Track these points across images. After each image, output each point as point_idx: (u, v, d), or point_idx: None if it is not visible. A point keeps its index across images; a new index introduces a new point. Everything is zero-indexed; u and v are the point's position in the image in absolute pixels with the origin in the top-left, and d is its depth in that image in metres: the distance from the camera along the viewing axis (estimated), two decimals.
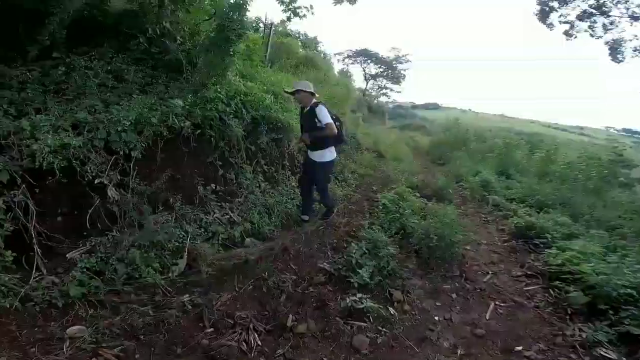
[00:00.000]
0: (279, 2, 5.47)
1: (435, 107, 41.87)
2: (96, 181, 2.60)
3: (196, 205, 3.30)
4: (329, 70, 9.78)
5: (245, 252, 2.94)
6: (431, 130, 17.42)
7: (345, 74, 17.01)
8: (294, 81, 4.20)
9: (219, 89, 3.51)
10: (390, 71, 26.68)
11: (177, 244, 2.75)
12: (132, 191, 2.78)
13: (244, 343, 2.06)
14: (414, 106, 40.75)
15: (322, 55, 12.77)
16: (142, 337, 1.99)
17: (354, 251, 2.86)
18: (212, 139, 3.57)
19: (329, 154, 3.57)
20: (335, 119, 3.47)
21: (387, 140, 9.76)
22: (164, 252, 2.65)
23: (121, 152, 2.78)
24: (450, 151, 8.90)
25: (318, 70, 8.02)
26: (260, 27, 6.94)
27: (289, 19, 5.68)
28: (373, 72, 26.93)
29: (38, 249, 2.33)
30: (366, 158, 7.04)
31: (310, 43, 13.11)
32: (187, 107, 3.20)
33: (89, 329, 1.96)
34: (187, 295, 2.39)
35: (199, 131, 3.43)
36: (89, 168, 2.57)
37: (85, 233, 2.58)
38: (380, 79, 27.42)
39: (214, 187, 3.56)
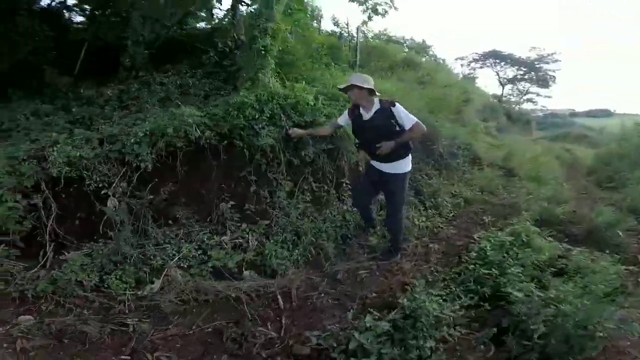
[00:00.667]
0: (356, 2, 4.88)
1: (606, 114, 31.48)
2: (102, 192, 2.54)
3: (212, 223, 2.90)
4: (436, 71, 8.23)
5: (233, 288, 2.31)
6: (598, 140, 12.54)
7: (472, 79, 14.57)
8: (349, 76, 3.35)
9: (247, 94, 3.08)
10: (532, 73, 21.69)
11: (161, 261, 2.45)
12: (128, 203, 2.61)
13: None
14: (573, 114, 32.14)
15: (434, 59, 11.32)
16: (65, 341, 1.85)
17: (368, 324, 1.74)
18: (244, 150, 3.17)
19: (408, 162, 2.82)
20: None
21: (526, 154, 7.33)
22: (144, 268, 2.39)
23: (134, 164, 2.67)
24: (628, 169, 5.78)
25: (417, 71, 6.80)
26: (342, 32, 6.50)
27: (369, 18, 5.07)
28: (510, 75, 22.48)
29: (49, 246, 2.44)
30: (484, 176, 5.23)
31: (419, 48, 11.87)
32: (203, 115, 2.89)
33: (35, 320, 1.94)
34: (137, 319, 2.05)
35: (225, 142, 3.08)
36: (95, 178, 2.53)
37: (95, 237, 2.57)
38: (522, 83, 22.59)
39: (244, 206, 3.11)
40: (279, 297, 2.36)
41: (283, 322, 2.17)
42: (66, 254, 2.39)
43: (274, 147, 3.26)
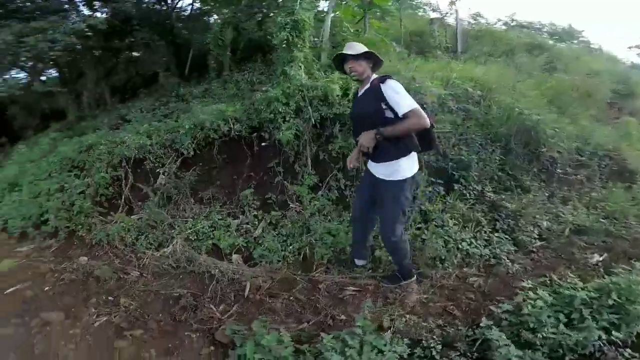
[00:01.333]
0: None
1: None
2: (157, 170, 3.30)
3: (232, 207, 3.25)
4: (577, 57, 5.70)
5: (215, 266, 2.54)
6: None
7: None
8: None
9: (273, 87, 3.22)
10: None
11: (179, 231, 3.00)
12: (175, 181, 3.28)
13: None
14: None
15: (583, 45, 8.05)
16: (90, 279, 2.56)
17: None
18: (275, 142, 3.35)
19: (408, 165, 2.11)
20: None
21: None
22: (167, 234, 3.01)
23: (181, 151, 3.32)
24: None
25: (545, 57, 4.98)
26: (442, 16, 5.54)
27: None
28: None
29: (122, 208, 3.32)
30: (621, 197, 3.41)
31: (563, 34, 8.64)
32: (236, 110, 3.22)
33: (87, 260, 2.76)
34: (138, 273, 2.67)
35: (255, 134, 3.35)
36: (153, 160, 3.30)
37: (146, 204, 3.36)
38: None
39: (267, 195, 3.32)
40: (247, 286, 2.45)
41: (233, 309, 2.26)
42: (123, 215, 3.24)
43: (300, 140, 3.29)
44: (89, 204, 3.18)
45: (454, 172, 3.17)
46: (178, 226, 3.03)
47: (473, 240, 2.86)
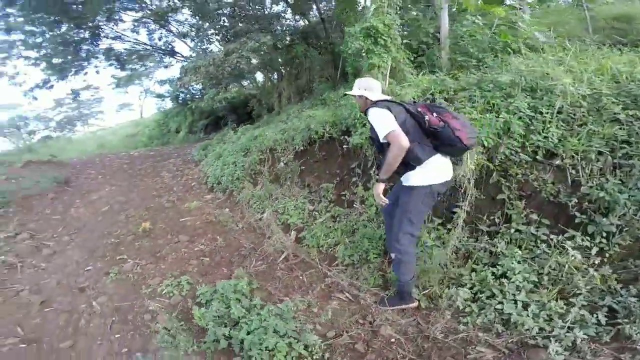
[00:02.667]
0: None
1: None
2: (280, 158, 4.56)
3: (314, 195, 3.98)
4: None
5: (268, 233, 3.51)
6: None
7: None
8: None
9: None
10: None
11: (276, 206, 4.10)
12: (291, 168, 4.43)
13: None
14: None
15: None
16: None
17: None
18: (358, 145, 3.76)
19: (421, 173, 2.16)
20: (427, 110, 2.17)
21: None
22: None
23: (295, 146, 4.39)
24: None
25: None
26: None
27: None
28: None
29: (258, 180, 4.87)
30: None
31: None
32: (331, 115, 3.86)
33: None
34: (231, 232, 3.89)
35: (342, 137, 3.87)
36: (278, 150, 4.57)
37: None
38: None
39: (343, 192, 3.82)
40: (282, 255, 3.17)
41: (263, 267, 3.06)
42: (251, 185, 4.67)
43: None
44: (243, 174, 4.87)
45: (578, 214, 2.34)
46: (276, 200, 4.12)
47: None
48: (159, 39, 9.31)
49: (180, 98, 11.48)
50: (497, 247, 2.46)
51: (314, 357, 1.96)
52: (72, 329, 2.51)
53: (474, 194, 2.76)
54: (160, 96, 11.51)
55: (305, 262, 3.08)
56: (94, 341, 2.31)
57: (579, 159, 2.45)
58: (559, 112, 2.66)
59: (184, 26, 8.49)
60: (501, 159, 2.69)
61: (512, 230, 2.49)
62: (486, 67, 3.65)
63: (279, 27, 6.98)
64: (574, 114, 2.63)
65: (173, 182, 6.19)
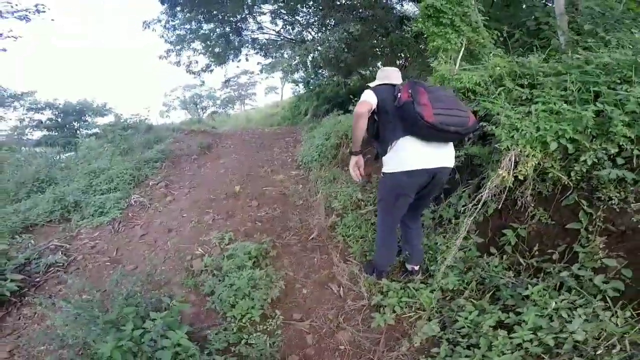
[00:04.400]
0: None
1: None
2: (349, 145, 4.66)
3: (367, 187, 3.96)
4: None
5: (313, 212, 3.78)
6: None
7: None
8: None
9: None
10: None
11: None
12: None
13: None
14: None
15: None
16: None
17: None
18: None
19: (390, 159, 2.08)
20: (408, 87, 1.96)
21: None
22: None
23: None
24: None
25: None
26: None
27: None
28: None
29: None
30: None
31: None
32: None
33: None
34: None
35: None
36: (349, 137, 4.67)
37: None
38: None
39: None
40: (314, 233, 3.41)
41: (285, 238, 3.38)
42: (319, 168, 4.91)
43: None
44: (321, 156, 5.22)
45: None
46: (337, 183, 4.29)
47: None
48: (292, 29, 10.46)
49: (310, 84, 12.65)
50: (529, 289, 1.89)
51: (267, 328, 2.19)
52: (143, 257, 3.53)
53: (537, 214, 2.17)
54: (294, 81, 12.97)
55: (326, 247, 3.20)
56: (147, 266, 3.20)
57: None
58: None
59: (310, 17, 9.26)
60: (584, 171, 2.00)
61: (567, 274, 1.86)
62: (615, 48, 2.64)
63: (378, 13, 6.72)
64: None
65: (278, 156, 7.17)
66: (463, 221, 2.26)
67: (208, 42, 9.32)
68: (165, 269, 3.22)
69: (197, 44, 9.43)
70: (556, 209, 2.04)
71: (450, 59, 3.25)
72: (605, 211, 1.85)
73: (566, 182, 1.99)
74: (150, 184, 5.63)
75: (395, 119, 1.96)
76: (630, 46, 2.49)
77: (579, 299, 1.73)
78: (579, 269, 1.83)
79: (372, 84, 2.28)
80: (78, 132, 10.97)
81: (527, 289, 1.86)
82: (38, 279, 3.15)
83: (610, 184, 1.86)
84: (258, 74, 13.71)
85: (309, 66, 8.17)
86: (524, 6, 5.26)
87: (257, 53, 11.61)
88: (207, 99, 18.06)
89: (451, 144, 2.05)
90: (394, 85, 2.12)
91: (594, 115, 1.95)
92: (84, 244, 3.83)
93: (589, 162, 1.91)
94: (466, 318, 1.93)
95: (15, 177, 5.46)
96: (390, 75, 2.29)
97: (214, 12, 9.02)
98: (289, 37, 10.11)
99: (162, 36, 8.68)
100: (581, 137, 1.96)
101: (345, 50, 7.55)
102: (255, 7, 9.07)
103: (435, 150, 1.95)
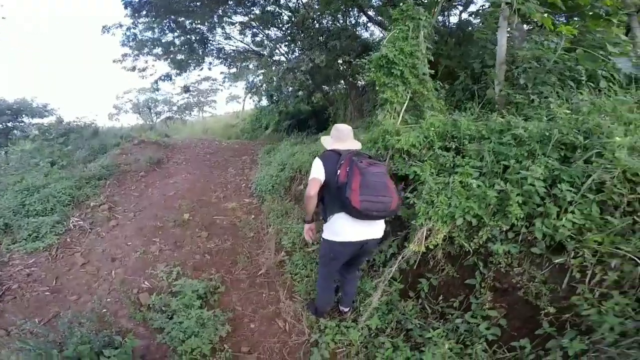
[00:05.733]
0: None
1: None
2: (302, 180, 5.15)
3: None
4: None
5: None
6: None
7: None
8: None
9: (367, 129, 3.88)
10: None
11: None
12: None
13: None
14: None
15: None
16: None
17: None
18: None
19: (326, 229, 2.55)
20: (348, 162, 2.37)
21: None
22: None
23: None
24: None
25: None
26: None
27: None
28: None
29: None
30: None
31: None
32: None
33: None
34: None
35: None
36: (303, 173, 5.16)
37: None
38: None
39: None
40: (259, 265, 3.78)
41: (234, 273, 3.74)
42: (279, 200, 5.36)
43: None
44: (275, 187, 5.66)
45: (547, 325, 2.19)
46: (288, 218, 4.73)
47: None
48: (262, 43, 10.92)
49: (273, 97, 13.12)
50: (431, 332, 2.45)
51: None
52: (86, 287, 3.70)
53: (447, 268, 2.74)
54: (256, 93, 13.36)
55: (274, 283, 3.61)
56: (92, 298, 3.38)
57: (594, 262, 2.09)
58: (598, 191, 2.20)
59: (281, 32, 9.81)
60: (480, 243, 2.53)
61: (460, 321, 2.44)
62: (536, 107, 3.26)
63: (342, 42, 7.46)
64: (620, 196, 2.12)
65: (232, 179, 7.45)
66: (388, 269, 2.82)
67: (171, 49, 9.49)
68: (111, 301, 3.42)
69: (157, 50, 9.54)
70: (460, 265, 2.65)
71: (395, 111, 3.78)
72: (495, 272, 2.46)
73: (468, 249, 2.58)
74: (92, 205, 5.66)
75: (334, 196, 2.37)
76: (550, 107, 2.99)
77: (468, 341, 2.33)
78: (471, 316, 2.43)
79: (325, 142, 2.69)
80: (11, 133, 10.40)
81: (429, 331, 2.43)
82: None
83: (499, 253, 2.43)
84: (221, 83, 13.91)
85: (274, 81, 8.66)
86: (474, 47, 5.54)
87: (221, 63, 11.90)
88: (163, 103, 17.81)
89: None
90: (336, 152, 2.50)
91: (497, 194, 2.47)
92: (18, 271, 3.86)
93: (484, 238, 2.49)
94: (383, 354, 2.46)
95: None
96: (343, 136, 2.63)
97: (180, 20, 9.24)
98: (256, 49, 10.55)
99: (122, 43, 8.72)
100: (483, 213, 2.49)
101: (308, 78, 8.16)
102: (226, 17, 9.44)
103: (365, 226, 2.40)
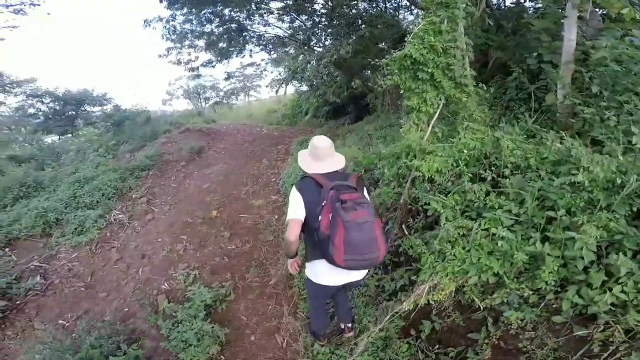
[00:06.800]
0: None
1: None
2: None
3: None
4: None
5: None
6: None
7: None
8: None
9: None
10: None
11: None
12: None
13: None
14: None
15: None
16: None
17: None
18: None
19: (311, 268, 2.46)
20: (332, 203, 2.09)
21: None
22: None
23: None
24: None
25: None
26: None
27: None
28: None
29: None
30: None
31: None
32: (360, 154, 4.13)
33: None
34: None
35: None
36: None
37: None
38: None
39: None
40: (273, 273, 3.91)
41: (247, 279, 3.92)
42: None
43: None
44: None
45: None
46: None
47: None
48: (299, 29, 10.83)
49: (313, 83, 13.02)
50: None
51: None
52: (116, 284, 4.13)
53: (453, 316, 2.53)
54: (296, 78, 13.35)
55: (281, 296, 3.72)
56: (118, 296, 3.77)
57: (622, 340, 1.85)
58: None
59: (311, 21, 9.60)
60: (492, 305, 2.27)
61: None
62: (624, 129, 2.48)
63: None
64: None
65: (264, 171, 7.65)
66: (392, 305, 2.73)
67: (212, 39, 9.81)
68: (134, 300, 3.81)
69: (199, 42, 9.92)
70: (468, 316, 2.48)
71: (423, 122, 3.27)
72: (503, 331, 2.24)
73: (479, 305, 2.33)
74: (133, 197, 6.23)
75: (315, 243, 2.21)
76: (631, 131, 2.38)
77: None
78: None
79: (306, 168, 2.34)
80: (76, 121, 11.72)
81: None
82: (19, 302, 3.76)
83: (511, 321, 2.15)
84: (263, 69, 14.16)
85: (308, 70, 8.59)
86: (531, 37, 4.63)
87: (261, 49, 12.04)
88: (211, 89, 18.65)
89: None
90: (321, 186, 2.20)
91: (528, 256, 2.07)
92: (62, 265, 4.45)
93: (497, 301, 2.21)
94: None
95: (2, 181, 6.10)
96: (321, 155, 2.32)
97: (218, 10, 9.45)
98: (291, 35, 10.50)
99: (163, 36, 9.17)
100: (505, 272, 2.14)
101: (333, 71, 7.97)
102: (263, 4, 9.48)
103: (346, 273, 2.31)
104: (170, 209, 5.96)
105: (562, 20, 3.35)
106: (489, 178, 2.59)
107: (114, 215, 5.59)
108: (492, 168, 2.67)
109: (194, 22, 9.40)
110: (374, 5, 8.42)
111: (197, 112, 14.59)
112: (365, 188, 2.38)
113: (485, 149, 2.79)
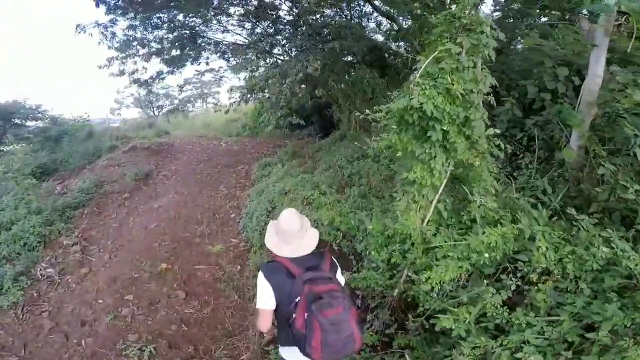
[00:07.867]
0: None
1: None
2: None
3: None
4: None
5: None
6: None
7: None
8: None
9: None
10: None
11: None
12: None
13: None
14: None
15: None
16: None
17: None
18: None
19: (286, 353, 2.25)
20: (306, 298, 1.93)
21: None
22: None
23: None
24: None
25: None
26: None
27: None
28: None
29: None
30: None
31: None
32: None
33: None
34: None
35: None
36: None
37: None
38: None
39: None
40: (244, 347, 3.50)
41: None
42: None
43: None
44: (262, 234, 5.30)
45: None
46: None
47: None
48: (261, 37, 10.37)
49: (273, 100, 12.68)
50: None
51: None
52: (57, 358, 3.55)
53: None
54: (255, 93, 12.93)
55: None
56: None
57: None
58: None
59: (273, 28, 9.24)
60: None
61: None
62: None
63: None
64: None
65: (222, 203, 7.14)
66: None
67: (162, 46, 9.06)
68: None
69: (145, 50, 9.10)
70: None
71: (425, 198, 2.59)
72: None
73: None
74: (64, 243, 5.47)
75: (289, 334, 2.03)
76: None
77: None
78: None
79: (276, 250, 2.10)
80: (4, 137, 10.32)
81: None
82: None
83: None
84: (221, 75, 13.52)
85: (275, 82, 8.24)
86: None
87: (219, 57, 11.46)
88: (164, 97, 17.50)
89: None
90: (293, 277, 2.00)
91: None
92: None
93: None
94: None
95: None
96: (288, 238, 2.09)
97: (171, 15, 8.76)
98: (255, 43, 10.06)
99: (100, 42, 8.22)
100: None
101: (297, 92, 7.73)
102: (222, 9, 8.93)
103: None
104: (110, 258, 5.29)
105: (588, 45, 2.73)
106: (513, 285, 2.21)
107: (40, 270, 4.83)
108: (517, 275, 2.28)
109: (140, 28, 8.58)
110: (338, 11, 8.23)
111: (148, 123, 13.57)
112: (338, 269, 2.17)
113: (507, 248, 2.27)
